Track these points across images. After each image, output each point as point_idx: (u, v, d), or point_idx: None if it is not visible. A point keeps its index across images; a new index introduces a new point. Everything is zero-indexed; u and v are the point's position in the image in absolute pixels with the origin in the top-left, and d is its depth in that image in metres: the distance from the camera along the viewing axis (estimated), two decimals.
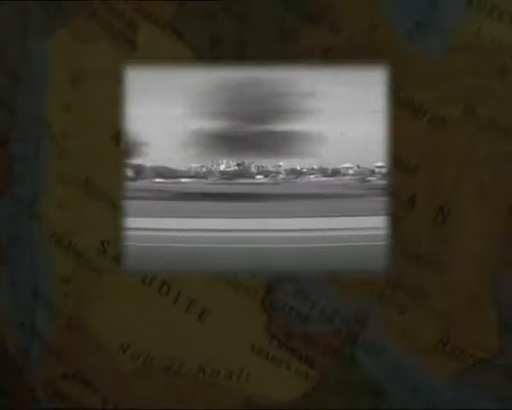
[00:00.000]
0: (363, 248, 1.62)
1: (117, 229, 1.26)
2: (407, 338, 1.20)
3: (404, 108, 1.24)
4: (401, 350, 1.20)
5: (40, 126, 1.24)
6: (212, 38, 1.26)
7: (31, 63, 1.28)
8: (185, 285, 1.22)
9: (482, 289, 1.18)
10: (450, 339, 1.19)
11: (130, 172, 1.16)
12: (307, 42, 1.24)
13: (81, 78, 1.26)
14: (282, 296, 1.21)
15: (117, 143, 1.25)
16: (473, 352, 1.18)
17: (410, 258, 1.24)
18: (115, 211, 1.26)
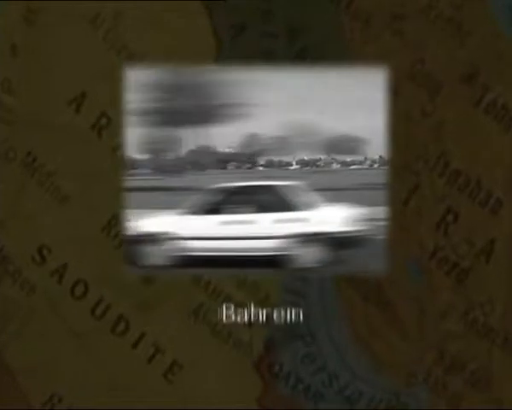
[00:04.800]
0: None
1: (64, 231, 1.07)
2: None
3: (490, 116, 1.04)
4: None
5: None
6: None
7: None
8: (152, 325, 1.06)
9: None
10: None
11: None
12: (363, 3, 1.04)
13: (40, 17, 1.08)
14: (286, 359, 1.05)
15: (77, 111, 1.07)
16: None
17: (478, 328, 1.04)
18: (63, 205, 1.07)
